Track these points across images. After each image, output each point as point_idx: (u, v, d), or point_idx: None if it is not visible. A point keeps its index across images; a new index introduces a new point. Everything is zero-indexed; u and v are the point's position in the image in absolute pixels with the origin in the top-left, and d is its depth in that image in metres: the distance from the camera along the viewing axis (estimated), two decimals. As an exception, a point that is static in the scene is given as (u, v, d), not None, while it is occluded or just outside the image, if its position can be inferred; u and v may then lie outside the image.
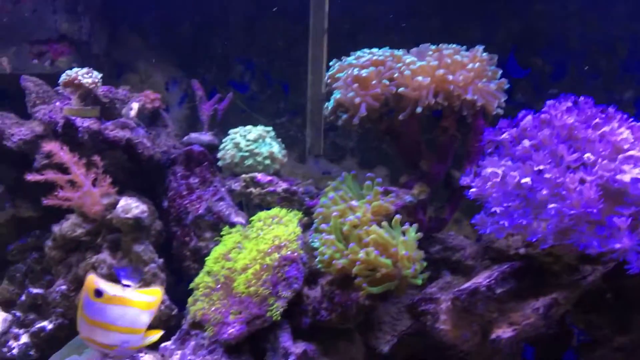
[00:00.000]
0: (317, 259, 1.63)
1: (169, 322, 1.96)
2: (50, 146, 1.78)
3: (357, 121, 1.74)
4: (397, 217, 1.64)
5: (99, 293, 1.33)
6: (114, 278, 1.95)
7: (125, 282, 1.34)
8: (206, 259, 1.77)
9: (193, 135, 2.09)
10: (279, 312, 1.61)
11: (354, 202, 1.66)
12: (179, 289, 2.01)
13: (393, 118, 1.81)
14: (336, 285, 1.69)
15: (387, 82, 1.74)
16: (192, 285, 1.77)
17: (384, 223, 1.64)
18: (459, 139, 1.83)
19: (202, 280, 1.75)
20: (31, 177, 1.84)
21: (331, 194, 1.69)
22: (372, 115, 1.77)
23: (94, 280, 1.34)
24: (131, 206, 1.89)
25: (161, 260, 1.95)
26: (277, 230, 1.65)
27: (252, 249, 1.65)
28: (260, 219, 1.73)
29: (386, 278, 1.58)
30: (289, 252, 1.62)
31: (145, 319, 1.35)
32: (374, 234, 1.58)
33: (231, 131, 2.04)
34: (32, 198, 2.19)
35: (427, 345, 1.72)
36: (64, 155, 1.78)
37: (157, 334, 1.39)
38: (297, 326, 1.73)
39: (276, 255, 1.60)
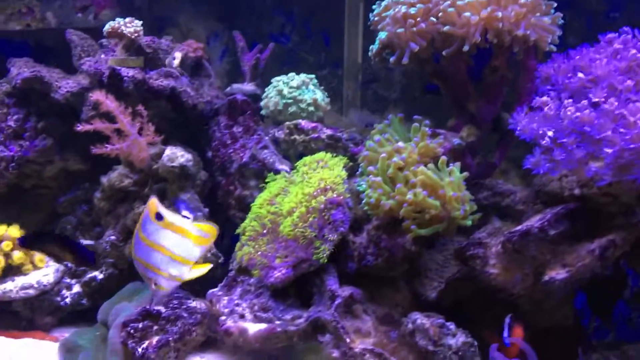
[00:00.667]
0: (363, 202, 1.61)
1: (215, 271, 1.98)
2: (97, 95, 1.79)
3: (407, 60, 1.68)
4: (444, 158, 1.60)
5: (159, 216, 1.34)
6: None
7: (184, 213, 1.34)
8: (252, 204, 1.77)
9: (235, 85, 2.08)
10: (325, 255, 1.60)
11: (400, 144, 1.62)
12: (223, 240, 2.04)
13: (440, 60, 1.75)
14: (382, 230, 1.68)
15: (435, 20, 1.68)
16: (238, 230, 1.78)
17: (431, 165, 1.60)
18: (509, 79, 1.77)
19: (248, 225, 1.75)
20: (80, 127, 1.86)
21: (377, 137, 1.65)
22: (422, 55, 1.72)
23: (156, 204, 1.34)
24: (177, 155, 1.90)
25: (207, 209, 1.96)
26: (322, 173, 1.63)
27: (298, 192, 1.64)
28: (305, 164, 1.71)
29: (434, 220, 1.55)
30: (334, 195, 1.60)
31: (197, 252, 1.36)
32: (422, 175, 1.55)
33: (274, 79, 2.02)
34: (80, 151, 2.24)
35: (476, 290, 1.70)
36: (110, 104, 1.80)
37: (205, 267, 1.40)
38: (342, 271, 1.73)
39: (322, 198, 1.59)
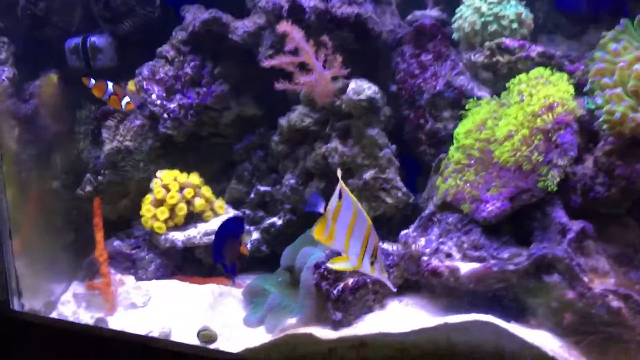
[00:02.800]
0: (600, 120, 1.38)
1: (405, 210, 1.85)
2: (284, 27, 1.70)
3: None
4: None
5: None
6: (346, 166, 1.88)
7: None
8: (455, 133, 1.60)
9: (418, 12, 1.91)
10: (554, 182, 1.40)
11: (643, 51, 1.36)
12: (410, 178, 1.89)
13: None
14: (617, 156, 1.43)
15: None
16: (442, 162, 1.62)
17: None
18: None
19: (452, 157, 1.59)
20: (267, 62, 1.79)
21: (613, 45, 1.40)
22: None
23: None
24: (363, 87, 1.77)
25: (394, 146, 1.83)
26: (546, 89, 1.42)
27: (518, 112, 1.44)
28: (522, 81, 1.50)
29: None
30: (563, 113, 1.38)
31: None
32: (679, 83, 1.28)
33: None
34: (255, 96, 2.20)
35: None
36: (297, 34, 1.70)
37: None
38: (564, 207, 1.51)
39: (550, 117, 1.38)
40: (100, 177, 2.19)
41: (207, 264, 2.22)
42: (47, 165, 2.30)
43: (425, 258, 1.60)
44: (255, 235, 2.19)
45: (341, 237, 1.27)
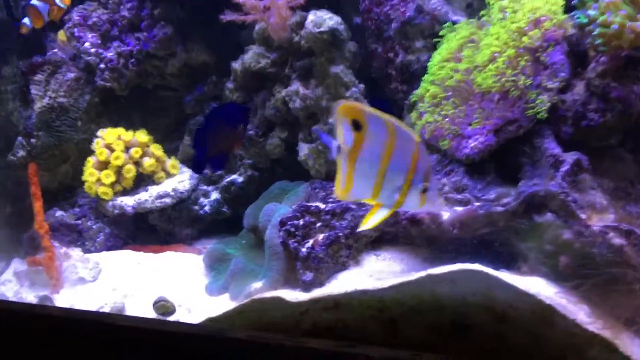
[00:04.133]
0: (594, 34, 1.20)
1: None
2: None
3: None
4: None
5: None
6: (309, 110, 1.68)
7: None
8: (428, 65, 1.41)
9: None
10: (544, 108, 1.23)
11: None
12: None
13: None
14: (611, 76, 1.27)
15: None
16: (413, 97, 1.43)
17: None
18: None
19: (425, 91, 1.40)
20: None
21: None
22: None
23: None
24: (323, 18, 1.56)
25: (362, 85, 1.63)
26: (531, 3, 1.24)
27: (499, 32, 1.26)
28: (503, -3, 1.32)
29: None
30: (552, 28, 1.21)
31: None
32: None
33: None
34: (204, 40, 1.96)
35: None
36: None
37: None
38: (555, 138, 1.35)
39: (537, 33, 1.20)
40: (33, 140, 1.95)
41: (163, 231, 2.01)
42: (-27, 131, 2.05)
43: (403, 206, 1.43)
44: (215, 195, 1.99)
45: (368, 178, 1.04)
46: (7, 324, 1.62)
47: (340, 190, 1.05)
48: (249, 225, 1.81)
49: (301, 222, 1.54)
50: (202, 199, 1.98)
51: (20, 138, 1.96)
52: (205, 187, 2.00)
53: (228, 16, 1.55)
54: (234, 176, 1.95)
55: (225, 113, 1.57)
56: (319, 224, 1.53)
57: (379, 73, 1.66)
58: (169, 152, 2.03)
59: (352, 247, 1.50)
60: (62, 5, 1.75)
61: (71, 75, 1.91)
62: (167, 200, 1.92)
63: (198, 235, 2.03)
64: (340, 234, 1.48)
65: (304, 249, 1.49)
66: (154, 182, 1.97)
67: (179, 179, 1.95)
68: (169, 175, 1.98)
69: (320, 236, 1.51)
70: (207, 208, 1.97)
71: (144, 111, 2.06)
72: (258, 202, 1.83)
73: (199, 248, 1.97)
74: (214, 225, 2.04)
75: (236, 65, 1.78)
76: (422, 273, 1.33)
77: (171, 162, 1.98)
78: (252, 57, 1.71)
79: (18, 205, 2.09)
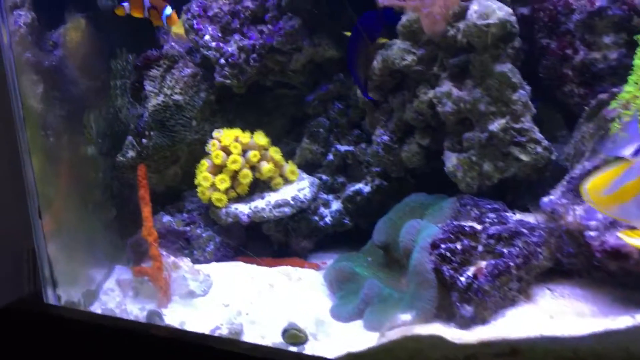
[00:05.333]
0: None
1: (543, 172, 1.42)
2: None
3: None
4: None
5: None
6: (462, 115, 1.45)
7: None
8: (635, 64, 1.16)
9: None
10: None
11: None
12: (552, 126, 1.46)
13: None
14: None
15: None
16: (613, 104, 1.18)
17: None
18: None
19: (632, 96, 1.15)
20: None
21: None
22: None
23: None
24: (492, 7, 1.33)
25: (529, 87, 1.39)
26: None
27: None
28: None
29: None
30: None
31: None
32: None
33: None
34: (332, 33, 1.76)
35: None
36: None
37: None
38: None
39: None
40: (144, 140, 1.81)
41: (277, 242, 1.83)
42: (79, 128, 1.91)
43: (592, 234, 1.19)
44: (336, 205, 1.79)
45: None
46: (112, 343, 1.49)
47: (606, 197, 0.82)
48: (381, 241, 1.61)
49: (458, 245, 1.32)
50: (322, 209, 1.79)
51: (130, 137, 1.83)
52: (325, 196, 1.81)
53: (387, 1, 1.35)
54: (359, 185, 1.75)
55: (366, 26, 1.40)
56: (480, 249, 1.31)
57: (550, 73, 1.41)
58: (284, 155, 1.85)
59: (522, 279, 1.27)
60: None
61: (188, 70, 1.76)
62: (286, 209, 1.74)
63: (315, 248, 1.85)
64: (510, 264, 1.25)
65: (462, 278, 1.27)
66: (271, 189, 1.80)
67: (299, 187, 1.77)
68: (287, 181, 1.80)
69: (483, 264, 1.29)
70: (327, 219, 1.78)
71: (259, 110, 1.89)
72: (390, 216, 1.63)
73: (317, 263, 1.79)
74: (331, 237, 1.85)
75: (375, 61, 1.57)
76: (629, 319, 1.09)
77: (290, 167, 1.80)
78: (396, 52, 1.50)
79: (123, 208, 1.97)
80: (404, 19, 1.49)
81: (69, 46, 1.94)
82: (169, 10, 1.56)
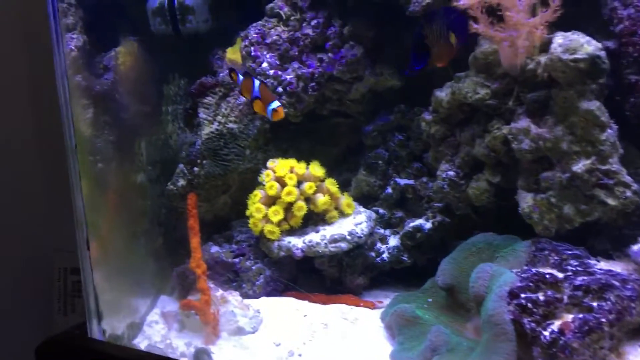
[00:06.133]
0: None
1: (630, 216, 1.32)
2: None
3: None
4: None
5: None
6: (540, 153, 1.36)
7: None
8: None
9: None
10: None
11: None
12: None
13: None
14: None
15: None
16: None
17: None
18: None
19: None
20: (463, 1, 1.27)
21: None
22: None
23: None
24: (579, 42, 1.25)
25: (616, 125, 1.30)
26: None
27: None
28: None
29: None
30: None
31: None
32: None
33: None
34: (393, 62, 1.69)
35: None
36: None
37: None
38: None
39: None
40: (196, 169, 1.75)
41: (330, 278, 1.75)
42: (129, 154, 1.86)
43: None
44: (393, 241, 1.71)
45: None
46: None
47: None
48: (446, 284, 1.52)
49: (540, 296, 1.22)
50: (379, 245, 1.71)
51: (181, 165, 1.78)
52: (382, 231, 1.73)
53: (481, 27, 1.27)
54: (419, 221, 1.66)
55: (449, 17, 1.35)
56: (565, 301, 1.21)
57: (637, 111, 1.32)
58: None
59: (614, 336, 1.17)
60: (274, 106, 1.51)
61: (244, 99, 1.70)
62: (343, 244, 1.66)
63: (369, 285, 1.76)
64: (602, 320, 1.15)
65: (546, 333, 1.18)
66: (325, 222, 1.72)
67: (356, 221, 1.69)
68: (342, 214, 1.72)
69: (570, 317, 1.19)
70: (385, 255, 1.70)
71: (312, 139, 1.83)
72: (455, 256, 1.53)
73: (373, 302, 1.70)
74: (386, 274, 1.76)
75: (442, 94, 1.50)
76: None
77: (346, 200, 1.73)
78: (469, 85, 1.42)
79: (169, 236, 1.91)
80: (478, 51, 1.41)
81: (120, 70, 1.90)
82: (276, 104, 1.49)
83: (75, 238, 1.56)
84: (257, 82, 1.50)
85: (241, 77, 1.53)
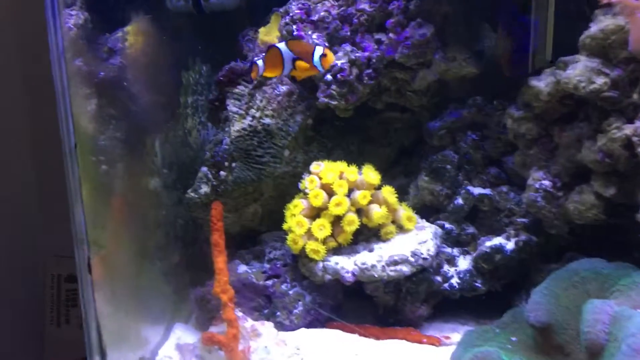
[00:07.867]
0: None
1: None
2: None
3: None
4: None
5: None
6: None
7: None
8: None
9: None
10: None
11: None
12: None
13: None
14: None
15: None
16: None
17: None
18: None
19: None
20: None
21: None
22: None
23: None
24: None
25: None
26: None
27: None
28: None
29: None
30: None
31: None
32: None
33: None
34: (469, 45, 1.38)
35: None
36: None
37: None
38: None
39: None
40: (223, 173, 1.43)
41: (384, 305, 1.45)
42: (140, 155, 1.55)
43: None
44: (464, 263, 1.41)
45: None
46: None
47: None
48: (540, 321, 1.21)
49: (696, 348, 0.93)
50: (446, 267, 1.41)
51: (204, 169, 1.46)
52: (449, 250, 1.42)
53: None
54: (498, 239, 1.36)
55: None
56: None
57: None
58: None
59: None
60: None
61: (283, 88, 1.39)
62: (405, 268, 1.35)
63: (432, 314, 1.46)
64: None
65: None
66: (379, 238, 1.42)
67: (419, 238, 1.38)
68: (401, 229, 1.42)
69: None
70: (454, 281, 1.40)
71: (361, 137, 1.52)
72: (551, 286, 1.23)
73: (437, 337, 1.40)
74: (454, 303, 1.46)
75: (540, 83, 1.19)
76: None
77: (405, 213, 1.42)
78: (582, 73, 1.11)
79: (186, 252, 1.61)
80: (594, 28, 1.11)
81: (129, 53, 1.58)
82: (320, 49, 1.19)
83: (71, 241, 1.27)
84: (282, 46, 1.23)
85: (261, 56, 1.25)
